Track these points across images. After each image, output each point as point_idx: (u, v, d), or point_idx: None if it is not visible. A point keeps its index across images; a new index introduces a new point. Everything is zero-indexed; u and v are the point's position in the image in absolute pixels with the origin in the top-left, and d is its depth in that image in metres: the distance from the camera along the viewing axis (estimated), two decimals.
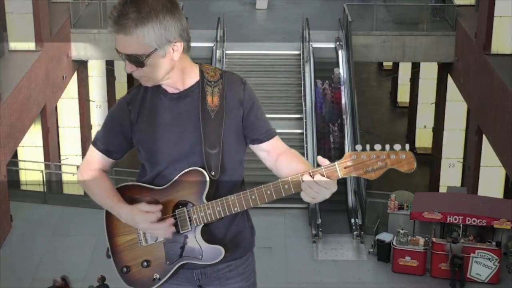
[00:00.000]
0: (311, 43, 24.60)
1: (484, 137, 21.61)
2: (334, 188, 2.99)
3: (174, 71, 3.08)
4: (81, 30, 24.38)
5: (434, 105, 26.99)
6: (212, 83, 3.15)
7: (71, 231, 19.41)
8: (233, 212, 3.09)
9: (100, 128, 3.37)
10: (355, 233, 19.40)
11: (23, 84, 20.03)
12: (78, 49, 24.45)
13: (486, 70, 21.16)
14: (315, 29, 25.12)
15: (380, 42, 24.61)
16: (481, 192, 21.84)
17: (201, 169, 3.09)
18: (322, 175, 2.95)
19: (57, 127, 24.54)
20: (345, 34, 24.69)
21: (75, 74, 25.14)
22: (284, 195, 3.04)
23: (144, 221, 3.09)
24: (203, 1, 28.86)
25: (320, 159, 2.99)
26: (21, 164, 22.47)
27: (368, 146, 3.02)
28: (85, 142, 25.91)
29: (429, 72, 28.03)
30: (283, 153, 3.23)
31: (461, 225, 17.98)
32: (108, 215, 3.32)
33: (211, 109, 3.10)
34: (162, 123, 3.14)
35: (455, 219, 17.69)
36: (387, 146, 3.00)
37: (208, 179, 3.08)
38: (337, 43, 24.91)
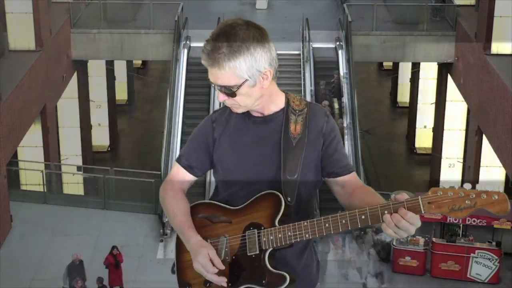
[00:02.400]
0: (311, 43, 24.60)
1: (484, 137, 21.61)
2: (418, 223, 2.94)
3: (263, 97, 3.17)
4: (81, 30, 24.38)
5: (434, 105, 26.99)
6: (297, 111, 3.22)
7: (71, 231, 19.41)
8: (304, 239, 3.07)
9: (185, 145, 3.43)
10: (355, 233, 19.40)
11: (23, 84, 20.03)
12: (78, 49, 24.44)
13: (486, 70, 21.16)
14: (315, 29, 25.13)
15: (380, 42, 24.62)
16: None
17: (278, 193, 3.11)
18: (405, 208, 2.90)
19: (57, 127, 24.53)
20: (345, 34, 24.69)
21: (75, 74, 25.13)
22: (360, 226, 2.99)
23: (203, 266, 3.11)
24: (203, 1, 28.87)
25: (400, 195, 2.93)
26: (21, 164, 22.46)
27: (456, 185, 2.86)
28: (85, 142, 25.92)
29: (429, 72, 28.03)
30: (358, 188, 3.21)
31: (461, 225, 17.99)
32: None
33: (293, 137, 3.17)
34: (244, 144, 3.22)
35: (455, 219, 17.69)
36: (478, 186, 2.84)
37: (283, 203, 3.10)
38: (337, 43, 24.90)
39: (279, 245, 3.07)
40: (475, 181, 22.26)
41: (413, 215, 2.89)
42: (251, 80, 3.06)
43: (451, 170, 25.35)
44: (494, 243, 17.72)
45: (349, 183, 3.23)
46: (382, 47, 24.69)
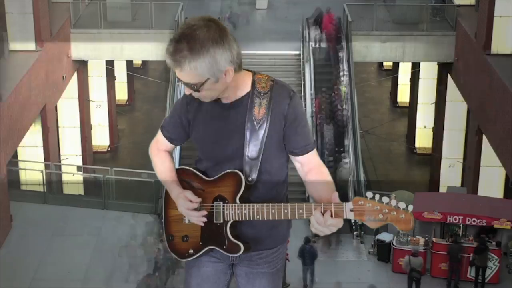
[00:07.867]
0: (311, 43, 24.60)
1: (484, 137, 21.61)
2: (339, 225, 3.37)
3: (228, 88, 3.42)
4: (81, 30, 24.38)
5: (434, 105, 26.99)
6: (262, 94, 3.49)
7: (71, 231, 19.41)
8: (255, 219, 3.47)
9: (167, 115, 3.79)
10: (355, 233, 19.41)
11: (23, 84, 20.03)
12: (78, 49, 24.44)
13: (486, 70, 21.16)
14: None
15: (380, 42, 24.61)
16: (481, 192, 21.83)
17: (239, 173, 3.49)
18: (331, 211, 3.33)
19: (57, 127, 24.53)
20: (345, 34, 24.69)
21: (75, 74, 25.13)
22: (297, 218, 3.44)
23: (183, 206, 3.56)
24: (203, 1, 28.87)
25: (334, 197, 3.35)
26: (21, 164, 22.46)
27: (377, 196, 3.22)
28: (85, 142, 25.92)
29: (429, 72, 28.02)
30: (313, 169, 3.58)
31: (461, 225, 17.99)
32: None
33: (257, 120, 3.46)
34: (214, 128, 3.55)
35: (455, 219, 17.69)
36: (393, 202, 3.22)
37: (244, 183, 3.48)
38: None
39: (237, 219, 3.51)
40: (475, 181, 22.27)
41: (333, 221, 3.33)
42: (212, 78, 3.30)
43: (451, 170, 25.35)
44: (494, 243, 17.71)
45: (306, 162, 3.58)
46: (382, 47, 24.69)
